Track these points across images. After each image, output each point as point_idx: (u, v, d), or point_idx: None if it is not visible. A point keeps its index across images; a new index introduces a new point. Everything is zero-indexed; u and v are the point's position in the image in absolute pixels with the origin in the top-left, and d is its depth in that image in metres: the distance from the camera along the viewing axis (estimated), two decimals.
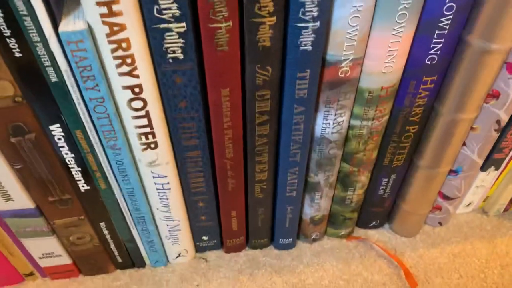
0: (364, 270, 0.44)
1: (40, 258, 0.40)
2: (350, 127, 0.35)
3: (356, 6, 0.26)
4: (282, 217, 0.42)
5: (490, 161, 0.42)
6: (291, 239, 0.45)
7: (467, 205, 0.48)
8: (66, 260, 0.41)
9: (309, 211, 0.42)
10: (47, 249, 0.40)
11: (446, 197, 0.44)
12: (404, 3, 0.27)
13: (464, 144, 0.39)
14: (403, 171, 0.41)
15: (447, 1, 0.28)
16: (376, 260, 0.45)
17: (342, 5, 0.27)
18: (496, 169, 0.43)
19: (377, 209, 0.45)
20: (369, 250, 0.45)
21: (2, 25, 0.24)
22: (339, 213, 0.43)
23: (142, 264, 0.44)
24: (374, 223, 0.47)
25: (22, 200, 0.34)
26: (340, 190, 0.41)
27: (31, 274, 0.43)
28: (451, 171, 0.41)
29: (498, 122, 0.37)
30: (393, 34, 0.29)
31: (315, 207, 0.42)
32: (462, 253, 0.45)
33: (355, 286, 0.42)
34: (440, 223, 0.47)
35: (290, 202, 0.40)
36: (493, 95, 0.35)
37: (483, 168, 0.43)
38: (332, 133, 0.35)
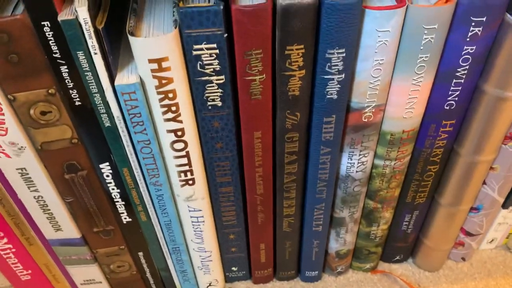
0: None
1: (81, 284, 0.43)
2: (373, 166, 0.37)
3: (378, 60, 0.29)
4: (308, 251, 0.44)
5: (511, 199, 0.43)
6: (317, 272, 0.46)
7: (490, 242, 0.49)
8: (105, 287, 0.44)
9: (334, 245, 0.44)
10: (88, 276, 0.42)
11: (468, 234, 0.45)
12: (422, 57, 0.30)
13: (484, 182, 0.41)
14: (425, 208, 0.42)
15: (463, 54, 0.31)
16: None
17: (365, 59, 0.29)
18: None
19: (401, 244, 0.46)
20: (393, 284, 0.47)
21: (66, 78, 0.28)
22: (363, 248, 0.45)
23: None
24: (398, 257, 0.48)
25: (70, 230, 0.37)
26: (364, 225, 0.43)
27: None
28: (472, 209, 0.43)
29: None
30: (412, 84, 0.31)
31: (341, 241, 0.43)
32: None
33: None
34: (463, 259, 0.48)
35: (316, 236, 0.42)
36: (511, 137, 0.37)
37: (505, 205, 0.44)
38: (356, 172, 0.37)
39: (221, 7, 0.26)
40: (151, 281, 0.44)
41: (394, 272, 0.48)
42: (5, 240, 0.37)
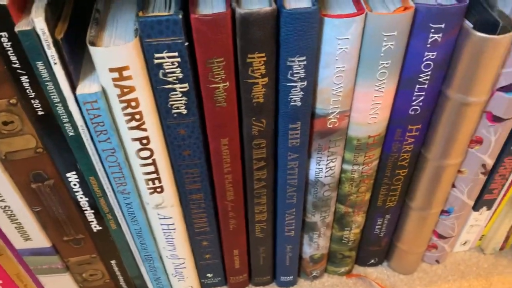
0: None
1: None
2: (342, 171, 0.38)
3: (339, 67, 0.30)
4: (282, 256, 0.44)
5: (481, 202, 0.44)
6: (292, 277, 0.47)
7: (464, 244, 0.49)
8: None
9: (308, 250, 0.44)
10: (61, 285, 0.42)
11: (441, 236, 0.46)
12: (383, 63, 0.30)
13: (454, 186, 0.41)
14: (397, 212, 0.43)
15: (424, 60, 0.31)
16: None
17: (327, 66, 0.30)
18: (488, 209, 0.45)
19: (375, 248, 0.47)
20: (367, 286, 0.47)
21: (27, 88, 0.28)
22: (337, 252, 0.45)
23: None
24: (372, 261, 0.48)
25: (39, 239, 0.37)
26: (337, 229, 0.43)
27: None
28: (443, 211, 0.43)
29: (484, 166, 0.39)
30: (375, 90, 0.32)
31: (314, 246, 0.44)
32: None
33: None
34: (438, 261, 0.49)
35: (289, 241, 0.42)
36: (477, 141, 0.38)
37: (475, 208, 0.45)
38: (325, 177, 0.37)
39: (180, 16, 0.26)
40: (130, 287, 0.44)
41: (369, 275, 0.48)
42: None
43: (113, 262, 0.41)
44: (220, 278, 0.46)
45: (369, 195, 0.40)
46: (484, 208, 0.45)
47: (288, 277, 0.46)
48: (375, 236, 0.45)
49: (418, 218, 0.42)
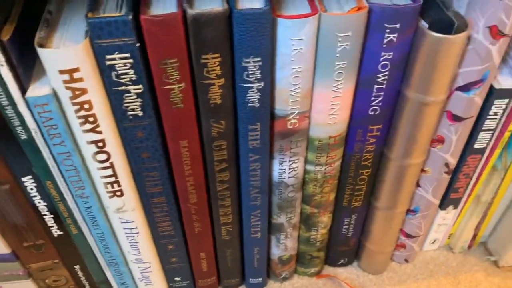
0: None
1: None
2: (305, 172, 0.38)
3: (295, 68, 0.30)
4: (250, 258, 0.44)
5: (447, 201, 0.44)
6: (261, 279, 0.46)
7: (433, 242, 0.50)
8: None
9: (276, 251, 0.44)
10: None
11: (408, 236, 0.46)
12: (339, 64, 0.30)
13: (418, 185, 0.42)
14: (363, 212, 0.43)
15: (381, 60, 0.31)
16: None
17: (283, 67, 0.30)
18: (455, 207, 0.45)
19: (343, 248, 0.47)
20: (337, 287, 0.47)
21: None
22: (306, 253, 0.45)
23: None
24: (342, 261, 0.48)
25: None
26: (304, 230, 0.43)
27: None
28: (409, 211, 0.44)
29: (446, 165, 0.39)
30: (333, 90, 0.32)
31: (282, 247, 0.44)
32: None
33: None
34: (407, 260, 0.49)
35: (256, 243, 0.42)
36: (438, 140, 0.38)
37: (442, 207, 0.45)
38: (288, 177, 0.37)
39: (130, 17, 0.26)
40: None
41: (339, 275, 0.48)
42: None
43: (76, 267, 0.41)
44: (188, 282, 0.46)
45: (333, 195, 0.40)
46: (451, 207, 0.45)
47: (257, 279, 0.46)
48: (343, 236, 0.45)
49: (385, 218, 0.42)
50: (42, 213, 0.35)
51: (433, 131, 0.36)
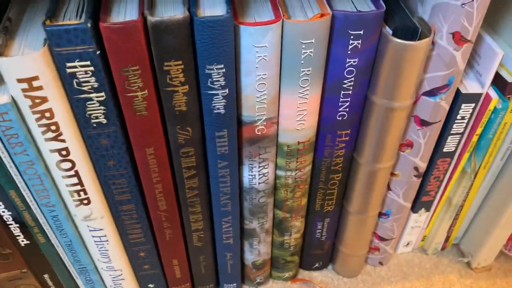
0: None
1: None
2: (276, 177, 0.38)
3: (260, 74, 0.29)
4: (223, 264, 0.43)
5: (419, 204, 0.45)
6: (235, 284, 0.46)
7: (406, 245, 0.50)
8: None
9: (250, 256, 0.44)
10: None
11: (381, 239, 0.46)
12: (304, 70, 0.30)
13: (389, 189, 0.42)
14: (336, 215, 0.43)
15: (346, 66, 0.31)
16: None
17: (248, 74, 0.29)
18: (427, 210, 0.46)
19: (318, 252, 0.47)
20: None
21: None
22: (280, 257, 0.45)
23: None
24: (317, 264, 0.48)
25: None
26: (277, 235, 0.43)
27: None
28: (381, 214, 0.44)
29: (416, 168, 0.40)
30: (299, 97, 0.32)
31: (255, 252, 0.43)
32: None
33: None
34: (381, 263, 0.49)
35: (228, 249, 0.42)
36: (407, 144, 0.38)
37: (414, 210, 0.45)
38: (259, 183, 0.37)
39: (89, 25, 0.25)
40: None
41: (314, 279, 0.48)
42: None
43: (46, 276, 0.40)
44: None
45: (305, 200, 0.40)
46: (423, 209, 0.45)
47: (232, 285, 0.46)
48: (316, 240, 0.45)
49: (357, 221, 0.43)
50: (8, 223, 0.35)
51: (401, 135, 0.36)
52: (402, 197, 0.42)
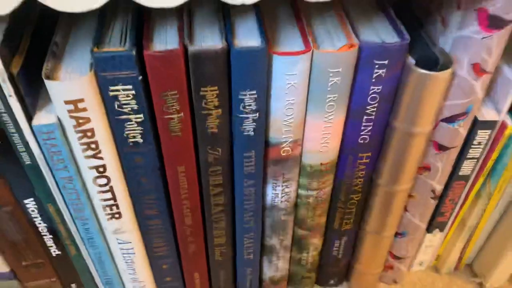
0: None
1: None
2: (298, 196, 0.39)
3: (289, 100, 0.31)
4: (243, 278, 0.45)
5: (434, 224, 0.46)
6: None
7: (420, 264, 0.51)
8: None
9: (268, 272, 0.45)
10: None
11: (396, 257, 0.47)
12: (330, 97, 0.32)
13: (406, 210, 0.43)
14: (353, 234, 0.44)
15: (370, 93, 0.33)
16: None
17: (277, 99, 0.31)
18: (441, 230, 0.47)
19: (334, 269, 0.48)
20: None
21: None
22: (297, 273, 0.47)
23: None
24: (332, 281, 0.50)
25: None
26: (295, 252, 0.44)
27: None
28: (397, 234, 0.45)
29: (433, 191, 0.41)
30: (324, 121, 0.33)
31: (273, 268, 0.45)
32: None
33: None
34: (395, 281, 0.50)
35: (249, 264, 0.43)
36: (425, 168, 0.39)
37: (429, 230, 0.46)
38: (281, 201, 0.38)
39: (134, 52, 0.27)
40: None
41: None
42: None
43: (73, 286, 0.42)
44: None
45: (324, 218, 0.42)
46: (437, 230, 0.47)
47: None
48: (333, 257, 0.46)
49: (373, 241, 0.44)
50: (42, 234, 0.36)
51: (419, 159, 0.38)
52: (418, 218, 0.43)
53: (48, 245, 0.37)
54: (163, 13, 0.31)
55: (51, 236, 0.37)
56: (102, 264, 0.39)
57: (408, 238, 0.45)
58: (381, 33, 0.32)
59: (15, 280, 0.39)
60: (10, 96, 0.27)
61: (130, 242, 0.38)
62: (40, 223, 0.35)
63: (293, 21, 0.32)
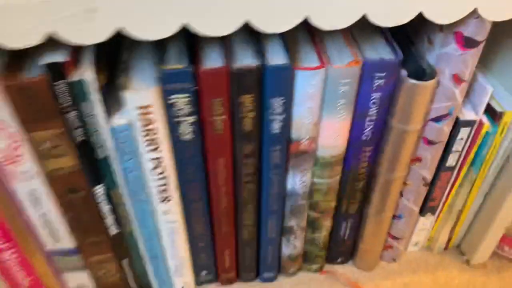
0: None
1: None
2: (313, 184, 0.47)
3: (308, 105, 0.39)
4: (265, 255, 0.53)
5: (426, 208, 0.54)
6: (273, 273, 0.56)
7: (415, 244, 0.59)
8: None
9: (286, 250, 0.54)
10: (80, 281, 0.50)
11: (394, 238, 0.56)
12: (340, 102, 0.40)
13: (402, 195, 0.51)
14: (357, 217, 0.53)
15: (371, 99, 0.41)
16: None
17: (299, 104, 0.40)
18: (432, 214, 0.55)
19: (341, 248, 0.56)
20: (336, 282, 0.56)
21: (73, 121, 0.37)
22: (310, 252, 0.55)
23: None
24: (340, 259, 0.58)
25: (67, 241, 0.45)
26: (310, 232, 0.52)
27: None
28: (395, 217, 0.53)
29: (424, 179, 0.49)
30: (336, 122, 0.42)
31: (291, 246, 0.53)
32: (410, 284, 0.56)
33: None
34: (394, 259, 0.59)
35: (271, 242, 0.51)
36: (417, 159, 0.48)
37: (422, 213, 0.55)
38: (299, 188, 0.47)
39: (191, 69, 0.36)
40: (132, 285, 0.52)
41: (337, 271, 0.58)
42: (12, 250, 0.45)
43: (124, 261, 0.50)
44: (212, 275, 0.55)
45: (334, 203, 0.50)
46: (429, 213, 0.55)
47: (270, 274, 0.55)
48: (341, 238, 0.55)
49: (375, 222, 0.52)
50: (105, 215, 0.44)
51: (412, 152, 0.46)
52: (413, 202, 0.52)
53: (108, 224, 0.45)
54: (209, 38, 0.39)
55: (112, 217, 0.45)
56: (151, 241, 0.47)
57: (405, 220, 0.53)
58: (380, 51, 0.40)
59: (79, 255, 0.47)
60: (96, 103, 0.35)
61: (176, 222, 0.46)
62: (105, 206, 0.43)
63: (310, 43, 0.40)
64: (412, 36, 0.44)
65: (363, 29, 0.42)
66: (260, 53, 0.38)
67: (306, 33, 0.42)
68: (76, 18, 0.30)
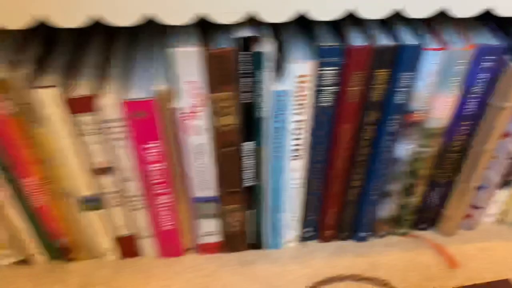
0: (419, 256, 0.63)
1: (201, 236, 0.60)
2: (417, 152, 0.56)
3: (428, 81, 0.48)
4: (364, 216, 0.62)
5: (506, 182, 0.62)
6: (367, 234, 0.64)
7: (489, 216, 0.67)
8: (218, 239, 0.61)
9: (381, 213, 0.62)
10: (207, 229, 0.60)
11: (475, 207, 0.64)
12: (454, 79, 0.49)
13: (488, 167, 0.59)
14: (446, 185, 0.61)
15: (478, 78, 0.50)
16: (427, 250, 0.64)
17: (422, 80, 0.48)
18: (510, 187, 0.63)
19: (427, 214, 0.64)
20: (421, 245, 0.65)
21: (245, 85, 0.46)
22: (401, 216, 0.63)
23: (262, 246, 0.63)
24: (424, 225, 0.66)
25: (211, 190, 0.55)
26: (403, 197, 0.61)
27: (187, 249, 0.62)
28: (480, 187, 0.61)
29: (509, 153, 0.57)
30: (448, 96, 0.50)
31: (387, 209, 0.61)
32: (486, 248, 0.64)
33: (414, 265, 0.61)
34: (471, 228, 0.67)
35: (371, 204, 0.60)
36: (506, 134, 0.56)
37: (503, 186, 0.63)
38: (405, 155, 0.55)
39: (343, 46, 0.45)
40: (250, 236, 0.61)
41: (423, 236, 0.66)
42: (169, 196, 0.54)
43: (248, 212, 0.59)
44: (315, 232, 0.64)
45: (430, 171, 0.58)
46: (506, 186, 0.63)
47: (365, 233, 0.64)
48: (429, 204, 0.63)
49: (461, 191, 0.60)
50: (245, 168, 0.54)
51: (504, 128, 0.54)
52: (496, 175, 0.60)
53: (245, 178, 0.55)
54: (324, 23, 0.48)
55: (251, 171, 0.54)
56: (276, 194, 0.56)
57: (487, 191, 0.61)
58: (487, 38, 0.49)
59: (218, 204, 0.56)
60: (267, 71, 0.45)
61: (299, 179, 0.55)
62: (248, 161, 0.53)
63: (427, 28, 0.49)
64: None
65: (470, 22, 0.51)
66: (390, 34, 0.47)
67: (424, 26, 0.50)
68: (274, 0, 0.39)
